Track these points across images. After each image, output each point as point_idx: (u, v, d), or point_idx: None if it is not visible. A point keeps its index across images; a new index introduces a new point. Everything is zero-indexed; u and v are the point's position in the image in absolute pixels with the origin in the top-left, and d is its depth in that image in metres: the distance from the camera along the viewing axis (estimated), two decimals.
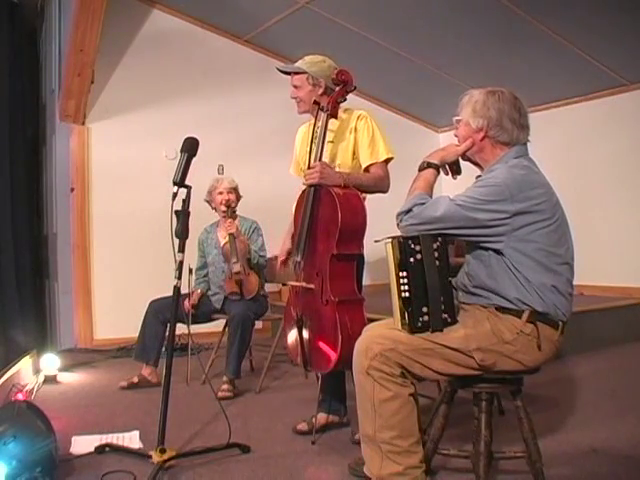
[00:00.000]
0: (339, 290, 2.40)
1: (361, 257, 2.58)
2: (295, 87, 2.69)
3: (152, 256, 4.72)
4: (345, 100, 2.64)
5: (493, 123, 1.91)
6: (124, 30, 5.05)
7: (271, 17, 5.06)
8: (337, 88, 2.57)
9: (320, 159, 2.52)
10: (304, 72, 2.64)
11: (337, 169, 2.61)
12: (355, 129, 2.64)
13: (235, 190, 3.85)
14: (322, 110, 2.58)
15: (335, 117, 2.61)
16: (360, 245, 2.50)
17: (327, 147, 2.65)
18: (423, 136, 6.73)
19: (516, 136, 1.93)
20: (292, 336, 2.62)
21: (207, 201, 3.87)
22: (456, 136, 2.04)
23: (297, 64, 2.69)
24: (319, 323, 2.45)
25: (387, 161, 2.63)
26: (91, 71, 4.53)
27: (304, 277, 2.56)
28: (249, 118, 5.54)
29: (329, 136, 2.66)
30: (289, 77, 2.73)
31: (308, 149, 2.65)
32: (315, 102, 2.63)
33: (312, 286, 2.49)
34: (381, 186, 2.62)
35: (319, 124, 2.58)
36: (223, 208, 3.77)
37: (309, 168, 2.52)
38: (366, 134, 2.62)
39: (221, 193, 3.79)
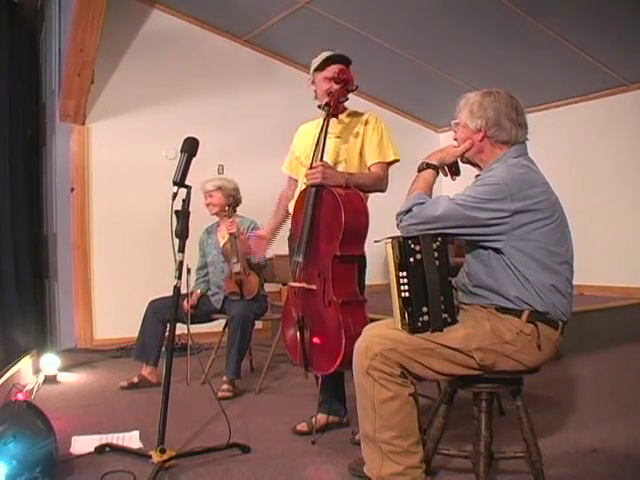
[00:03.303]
0: (341, 291, 2.39)
1: (363, 258, 2.58)
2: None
3: (152, 256, 4.73)
4: (347, 99, 2.65)
5: (491, 123, 1.92)
6: (124, 30, 5.05)
7: (271, 17, 5.06)
8: (337, 87, 2.57)
9: (321, 159, 2.52)
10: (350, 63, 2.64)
11: (343, 165, 2.62)
12: (364, 130, 2.64)
13: (220, 189, 3.80)
14: (322, 109, 2.58)
15: (336, 116, 2.61)
16: (362, 246, 2.50)
17: (334, 144, 2.66)
18: (423, 136, 6.73)
19: (515, 134, 1.93)
20: (292, 337, 2.61)
21: None
22: (455, 140, 2.05)
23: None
24: (321, 324, 2.44)
25: (391, 163, 2.65)
26: (91, 71, 4.53)
27: (304, 278, 2.54)
28: (249, 118, 5.54)
29: (336, 134, 2.67)
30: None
31: (313, 148, 2.64)
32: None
33: (313, 287, 2.47)
34: (380, 185, 2.63)
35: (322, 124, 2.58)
36: (210, 212, 3.82)
37: (311, 168, 2.52)
38: (375, 134, 2.63)
39: (205, 197, 3.82)
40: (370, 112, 2.75)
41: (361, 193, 2.50)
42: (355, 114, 2.73)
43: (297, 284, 2.57)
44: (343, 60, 2.64)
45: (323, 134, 2.54)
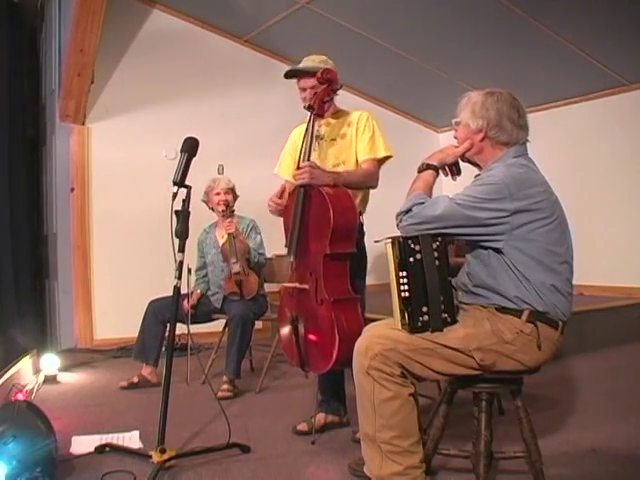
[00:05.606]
0: (333, 289, 2.39)
1: (359, 255, 2.56)
2: (312, 88, 2.61)
3: (152, 256, 4.72)
4: (331, 99, 2.65)
5: (492, 124, 1.92)
6: (124, 30, 5.05)
7: (271, 17, 5.06)
8: (322, 87, 2.57)
9: (308, 159, 2.52)
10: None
11: (342, 167, 2.62)
12: (355, 128, 2.64)
13: (232, 190, 3.85)
14: (308, 110, 2.58)
15: (322, 116, 2.63)
16: (352, 244, 2.48)
17: (329, 147, 2.66)
18: (423, 136, 6.73)
19: (515, 136, 1.93)
20: (287, 337, 2.61)
21: (204, 201, 3.87)
22: (456, 138, 2.05)
23: (306, 64, 2.64)
24: (315, 323, 2.45)
25: (384, 160, 2.64)
26: (91, 71, 4.53)
27: (297, 278, 2.55)
28: (249, 118, 5.54)
29: (330, 136, 2.67)
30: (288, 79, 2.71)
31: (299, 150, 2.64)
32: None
33: (306, 286, 2.48)
34: (370, 182, 2.62)
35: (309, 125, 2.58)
36: (221, 208, 3.77)
37: (298, 168, 2.51)
38: (367, 130, 2.63)
39: (218, 194, 3.80)
40: (361, 110, 2.74)
41: (350, 191, 2.49)
42: (345, 114, 2.73)
43: (290, 284, 2.58)
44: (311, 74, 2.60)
45: (309, 135, 2.54)
